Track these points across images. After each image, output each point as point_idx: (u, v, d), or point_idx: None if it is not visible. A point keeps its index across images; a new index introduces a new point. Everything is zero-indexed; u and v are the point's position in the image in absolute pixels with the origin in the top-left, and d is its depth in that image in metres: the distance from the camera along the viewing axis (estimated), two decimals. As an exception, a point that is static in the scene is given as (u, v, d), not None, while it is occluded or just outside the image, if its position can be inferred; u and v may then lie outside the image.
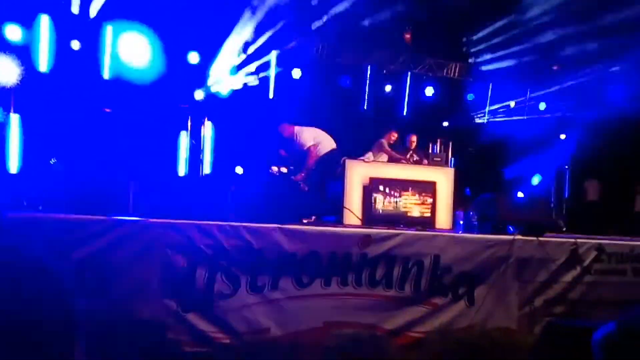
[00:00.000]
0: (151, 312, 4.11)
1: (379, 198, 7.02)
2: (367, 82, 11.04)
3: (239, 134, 9.29)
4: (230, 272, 4.41)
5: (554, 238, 5.61)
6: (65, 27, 8.41)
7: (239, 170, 8.88)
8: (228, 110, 9.61)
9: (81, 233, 4.09)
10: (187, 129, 9.00)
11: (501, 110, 12.53)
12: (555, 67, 11.64)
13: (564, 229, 8.16)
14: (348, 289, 4.69)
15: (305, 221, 5.75)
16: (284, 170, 7.11)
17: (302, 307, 4.56)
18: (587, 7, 8.90)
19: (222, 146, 9.38)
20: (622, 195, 10.94)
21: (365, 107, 11.35)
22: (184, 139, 9.05)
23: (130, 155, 7.40)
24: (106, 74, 8.75)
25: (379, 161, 8.37)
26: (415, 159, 8.61)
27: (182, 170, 8.95)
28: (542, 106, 12.42)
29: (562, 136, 12.12)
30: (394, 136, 8.91)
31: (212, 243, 4.36)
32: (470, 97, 12.01)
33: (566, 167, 11.92)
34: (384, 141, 8.73)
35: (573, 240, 5.49)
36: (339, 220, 6.77)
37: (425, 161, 8.37)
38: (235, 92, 9.91)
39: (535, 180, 11.89)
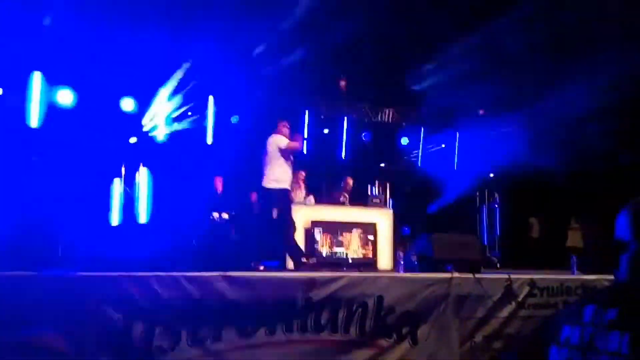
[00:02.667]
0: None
1: (320, 241, 7.06)
2: (306, 126, 11.21)
3: (177, 180, 9.14)
4: (170, 325, 4.25)
5: (489, 274, 5.80)
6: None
7: (174, 218, 8.70)
8: (165, 156, 9.46)
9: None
10: (120, 176, 8.76)
11: (434, 150, 13.02)
12: (481, 112, 12.28)
13: (498, 266, 8.48)
14: (293, 335, 4.61)
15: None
16: (225, 216, 7.03)
17: (246, 358, 4.43)
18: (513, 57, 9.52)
19: (159, 193, 9.18)
20: (557, 232, 11.53)
21: (305, 151, 11.48)
22: (118, 187, 8.78)
23: (59, 206, 7.09)
24: (33, 122, 8.43)
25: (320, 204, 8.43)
26: (342, 200, 8.72)
27: (115, 219, 8.64)
28: (469, 149, 13.02)
29: (491, 175, 12.70)
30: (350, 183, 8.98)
31: (149, 295, 4.20)
32: (404, 140, 12.43)
33: (496, 205, 12.46)
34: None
35: (507, 276, 5.68)
36: (282, 266, 6.72)
37: (362, 205, 8.51)
38: (172, 138, 9.79)
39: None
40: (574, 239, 11.24)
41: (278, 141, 6.44)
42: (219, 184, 8.67)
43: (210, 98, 10.14)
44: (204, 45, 8.59)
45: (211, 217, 7.06)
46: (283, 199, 6.42)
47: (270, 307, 4.55)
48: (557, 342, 1.40)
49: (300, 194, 8.49)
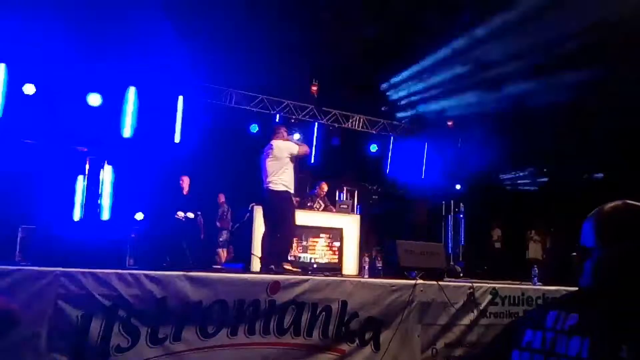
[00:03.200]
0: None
1: (286, 244, 6.99)
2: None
3: (143, 178, 8.98)
4: (129, 323, 4.14)
5: (453, 282, 5.87)
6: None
7: (139, 216, 8.54)
8: (131, 154, 9.29)
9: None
10: (84, 173, 8.56)
11: (403, 159, 13.14)
12: (449, 123, 12.48)
13: (461, 274, 8.59)
14: (255, 337, 4.56)
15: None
16: (190, 215, 6.93)
17: (207, 358, 4.36)
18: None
19: (124, 191, 9.00)
20: (518, 243, 11.78)
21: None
22: (81, 183, 8.58)
23: (20, 200, 6.88)
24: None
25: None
26: (322, 206, 8.74)
27: (77, 215, 8.43)
28: (436, 158, 13.22)
29: (457, 186, 12.89)
30: (324, 188, 8.98)
31: (109, 292, 4.09)
32: (373, 147, 12.51)
33: (461, 215, 12.65)
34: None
35: (470, 284, 5.76)
36: (247, 268, 6.66)
37: (334, 209, 8.53)
38: (139, 136, 9.62)
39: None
40: (535, 250, 11.51)
41: (291, 148, 6.38)
42: (185, 183, 8.59)
43: (180, 98, 10.02)
44: (173, 45, 8.48)
45: (176, 216, 6.94)
46: (292, 202, 6.45)
47: (233, 309, 4.49)
48: (519, 346, 1.41)
49: (314, 202, 8.62)
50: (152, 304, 4.22)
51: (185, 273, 4.40)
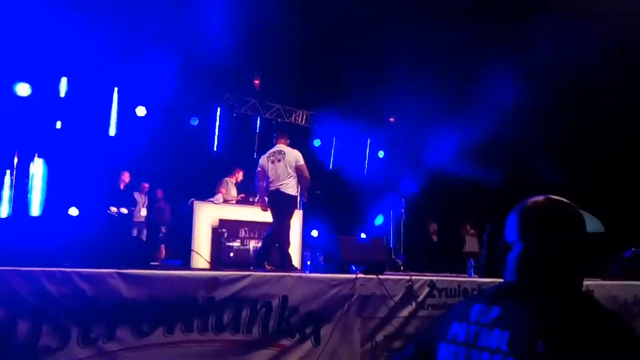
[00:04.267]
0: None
1: (228, 239, 6.92)
2: (217, 123, 11.00)
3: (76, 172, 8.62)
4: (59, 323, 3.97)
5: (393, 276, 5.96)
6: None
7: (73, 211, 8.19)
8: (63, 147, 8.89)
9: None
10: (12, 167, 8.13)
11: (345, 155, 13.24)
12: (391, 119, 12.67)
13: (402, 268, 8.75)
14: (193, 335, 4.47)
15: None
16: (124, 211, 6.70)
17: (141, 358, 4.24)
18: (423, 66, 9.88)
19: (57, 185, 8.61)
20: (455, 237, 12.11)
21: (215, 149, 11.27)
22: (8, 178, 8.14)
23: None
24: None
25: (229, 202, 8.31)
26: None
27: (4, 211, 8.00)
28: (381, 154, 13.40)
29: (399, 182, 13.10)
30: (240, 175, 8.96)
31: (37, 291, 3.90)
32: (316, 142, 12.54)
33: (402, 210, 12.86)
34: (228, 180, 8.75)
35: (409, 277, 5.87)
36: (186, 264, 6.53)
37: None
38: (72, 128, 9.22)
39: (378, 220, 12.65)
40: (472, 244, 11.87)
41: (299, 158, 6.90)
42: (125, 178, 8.34)
43: (115, 89, 9.68)
44: (109, 33, 8.18)
45: (108, 211, 6.71)
46: (295, 205, 6.99)
47: (169, 306, 4.38)
48: (446, 339, 1.43)
49: (233, 191, 8.62)
50: (83, 302, 4.05)
51: (118, 271, 4.26)
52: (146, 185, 9.68)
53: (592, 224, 1.46)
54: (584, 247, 1.38)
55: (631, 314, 7.34)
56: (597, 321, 1.18)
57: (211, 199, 7.89)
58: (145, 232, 9.15)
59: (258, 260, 6.52)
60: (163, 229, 9.18)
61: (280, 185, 6.64)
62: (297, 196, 6.78)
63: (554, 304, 1.25)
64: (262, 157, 7.07)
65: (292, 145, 7.07)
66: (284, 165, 6.69)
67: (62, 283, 4.00)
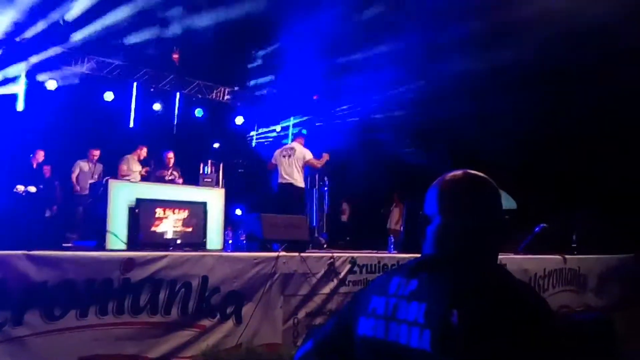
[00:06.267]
0: None
1: (146, 220, 6.67)
2: (134, 98, 10.53)
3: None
4: (-40, 310, 3.69)
5: (315, 253, 6.01)
6: None
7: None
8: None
9: None
10: None
11: (269, 133, 13.14)
12: (315, 97, 12.66)
13: (325, 246, 8.85)
14: (108, 318, 4.31)
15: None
16: (31, 189, 6.28)
17: (52, 343, 4.03)
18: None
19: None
20: (375, 215, 12.38)
21: (131, 125, 10.80)
22: None
23: None
24: None
25: (127, 177, 8.09)
26: (172, 177, 8.50)
27: None
28: (304, 132, 13.39)
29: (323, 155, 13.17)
30: (144, 152, 8.72)
31: None
32: (239, 120, 12.34)
33: (325, 188, 12.98)
34: (129, 157, 8.51)
35: (330, 254, 5.94)
36: (100, 245, 6.24)
37: (180, 180, 8.39)
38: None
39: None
40: (394, 221, 12.21)
41: (307, 154, 7.90)
42: (39, 157, 7.82)
43: (24, 63, 9.00)
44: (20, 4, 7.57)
45: (14, 190, 6.27)
46: (304, 195, 8.10)
47: (82, 289, 4.19)
48: (366, 313, 1.43)
49: (135, 167, 8.50)
50: (-12, 287, 3.79)
51: (26, 252, 4.00)
52: (96, 152, 9.01)
53: (506, 201, 1.50)
54: (500, 221, 1.42)
55: (542, 286, 7.87)
56: (509, 293, 1.22)
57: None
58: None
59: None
60: (54, 208, 8.64)
61: (291, 179, 7.71)
62: (304, 187, 7.91)
63: (468, 276, 1.27)
64: (277, 150, 8.14)
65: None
66: (294, 160, 7.74)
67: (-38, 267, 3.71)
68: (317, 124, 13.11)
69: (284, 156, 7.84)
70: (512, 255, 7.53)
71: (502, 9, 8.22)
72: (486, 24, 8.52)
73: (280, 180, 7.83)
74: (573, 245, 8.92)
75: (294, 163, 7.76)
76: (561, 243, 8.79)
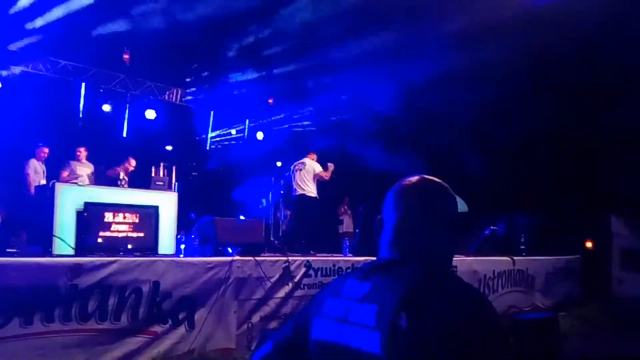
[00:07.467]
0: None
1: (95, 224, 6.48)
2: (82, 99, 10.22)
3: None
4: None
5: (269, 257, 5.98)
6: None
7: None
8: None
9: None
10: None
11: (224, 136, 13.00)
12: (270, 101, 12.63)
13: (281, 250, 8.82)
14: (54, 325, 4.15)
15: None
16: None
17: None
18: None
19: None
20: (332, 218, 12.42)
21: (80, 124, 10.48)
22: None
23: None
24: None
25: (74, 181, 7.85)
26: (126, 182, 8.29)
27: None
28: (260, 135, 13.33)
29: (279, 163, 13.14)
30: (82, 153, 8.48)
31: None
32: (192, 122, 12.16)
33: (282, 192, 12.93)
34: (72, 162, 8.34)
35: (285, 258, 5.92)
36: (47, 251, 6.01)
37: (126, 185, 8.18)
38: None
39: (263, 203, 12.61)
40: (348, 224, 12.28)
41: (316, 167, 8.54)
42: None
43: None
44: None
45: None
46: (316, 205, 8.61)
47: (27, 295, 4.02)
48: (320, 315, 1.43)
49: (80, 170, 8.31)
50: None
51: (-35, 259, 3.81)
52: (45, 149, 8.63)
53: (459, 204, 1.53)
54: (454, 225, 1.44)
55: (491, 287, 8.08)
56: (456, 296, 1.23)
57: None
58: None
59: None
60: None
61: (303, 191, 8.44)
62: (317, 197, 8.50)
63: (418, 280, 1.28)
64: (293, 164, 8.81)
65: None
66: (304, 173, 8.46)
67: None
68: (273, 128, 13.09)
69: (297, 170, 8.59)
70: (462, 257, 7.70)
71: (468, 7, 8.26)
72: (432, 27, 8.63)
73: (295, 193, 8.62)
74: (522, 247, 9.21)
75: (304, 176, 8.47)
76: (510, 245, 9.06)
